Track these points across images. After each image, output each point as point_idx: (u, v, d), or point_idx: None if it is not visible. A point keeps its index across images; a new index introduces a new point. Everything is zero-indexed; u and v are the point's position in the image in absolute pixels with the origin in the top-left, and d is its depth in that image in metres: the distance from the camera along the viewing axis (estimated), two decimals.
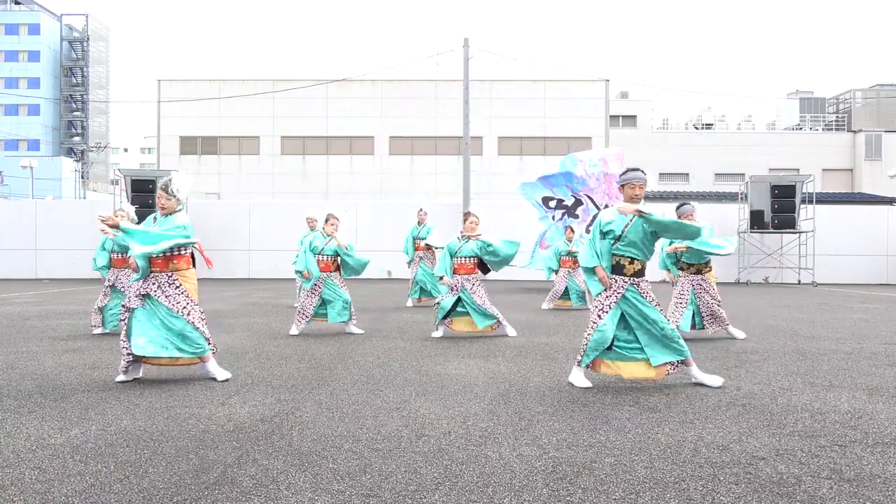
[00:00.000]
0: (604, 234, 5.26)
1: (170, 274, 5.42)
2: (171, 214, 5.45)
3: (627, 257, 5.22)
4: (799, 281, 20.87)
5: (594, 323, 5.21)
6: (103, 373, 5.72)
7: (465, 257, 8.05)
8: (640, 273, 5.23)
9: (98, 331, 8.31)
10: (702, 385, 5.24)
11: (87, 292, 15.35)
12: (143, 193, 20.10)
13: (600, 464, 3.41)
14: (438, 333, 8.16)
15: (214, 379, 5.39)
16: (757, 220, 20.42)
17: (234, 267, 21.09)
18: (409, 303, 12.32)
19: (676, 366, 5.26)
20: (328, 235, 8.31)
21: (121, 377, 5.36)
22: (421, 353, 6.91)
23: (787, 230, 20.42)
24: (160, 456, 3.49)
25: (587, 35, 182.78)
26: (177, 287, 5.42)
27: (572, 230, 12.66)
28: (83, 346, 7.31)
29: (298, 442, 3.75)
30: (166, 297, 5.36)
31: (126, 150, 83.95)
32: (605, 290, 5.24)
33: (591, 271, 5.31)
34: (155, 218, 5.55)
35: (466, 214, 8.13)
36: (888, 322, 10.00)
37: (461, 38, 22.39)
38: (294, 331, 8.33)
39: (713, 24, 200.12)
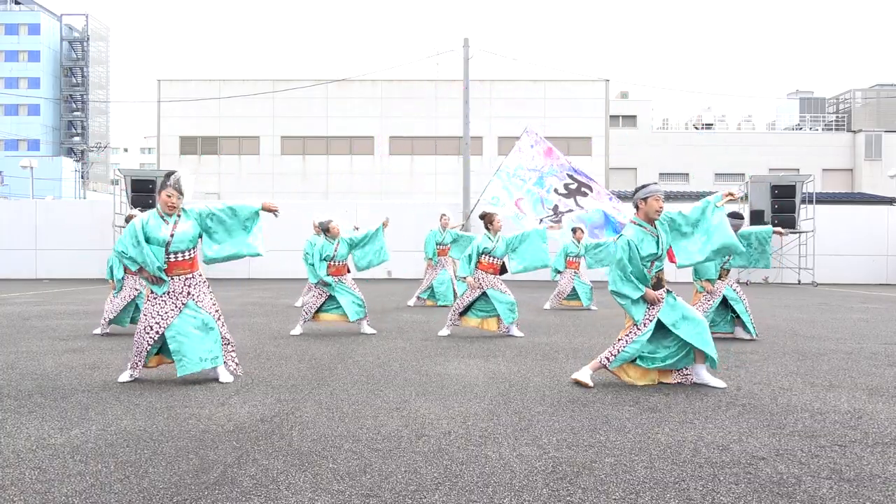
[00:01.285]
0: (643, 259, 5.08)
1: (200, 273, 5.42)
2: (179, 212, 5.37)
3: (661, 270, 5.22)
4: (799, 281, 20.88)
5: (637, 332, 5.14)
6: (103, 373, 5.72)
7: (497, 257, 8.16)
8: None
9: (98, 331, 8.31)
10: (703, 385, 5.24)
11: (87, 292, 15.35)
12: (143, 193, 20.11)
13: (600, 464, 3.41)
14: (445, 332, 8.19)
15: (217, 379, 5.38)
16: (757, 220, 20.40)
17: (233, 267, 21.08)
18: (411, 302, 12.32)
19: (686, 374, 5.27)
20: (334, 239, 8.32)
21: (124, 377, 5.35)
22: (421, 353, 6.91)
23: (787, 230, 20.42)
24: (160, 456, 3.49)
25: (587, 35, 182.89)
26: (208, 287, 5.47)
27: (582, 231, 12.43)
28: (83, 346, 7.31)
29: (298, 442, 3.75)
30: (207, 298, 5.37)
31: (126, 150, 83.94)
32: (652, 306, 5.14)
33: (638, 300, 5.10)
34: (165, 220, 5.29)
35: (492, 215, 8.13)
36: (888, 322, 10.00)
37: (461, 38, 22.41)
38: (296, 331, 8.34)
39: (713, 24, 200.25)
